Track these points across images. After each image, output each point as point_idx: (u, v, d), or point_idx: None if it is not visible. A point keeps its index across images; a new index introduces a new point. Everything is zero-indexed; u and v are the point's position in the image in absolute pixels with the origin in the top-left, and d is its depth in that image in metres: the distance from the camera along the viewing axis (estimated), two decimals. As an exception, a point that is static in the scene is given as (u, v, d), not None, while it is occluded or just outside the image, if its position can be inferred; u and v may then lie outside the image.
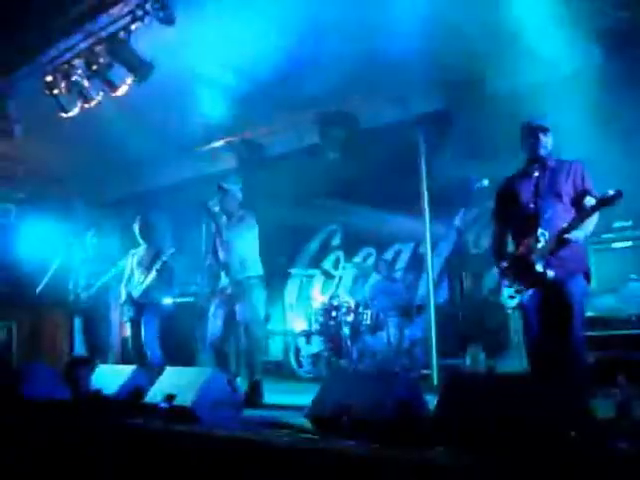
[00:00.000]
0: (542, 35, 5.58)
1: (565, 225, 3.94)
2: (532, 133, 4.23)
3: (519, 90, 6.48)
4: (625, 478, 2.37)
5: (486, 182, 5.07)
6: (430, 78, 6.81)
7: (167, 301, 6.94)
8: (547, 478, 2.36)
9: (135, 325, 6.60)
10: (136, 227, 6.84)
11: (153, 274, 6.46)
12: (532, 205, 4.15)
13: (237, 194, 6.09)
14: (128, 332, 6.78)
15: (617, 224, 5.85)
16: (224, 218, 6.08)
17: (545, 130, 4.22)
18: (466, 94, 6.88)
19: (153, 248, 6.73)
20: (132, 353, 6.62)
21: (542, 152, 4.20)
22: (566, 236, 3.91)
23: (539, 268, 3.97)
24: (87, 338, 7.28)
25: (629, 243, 5.74)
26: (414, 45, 5.87)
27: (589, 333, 5.01)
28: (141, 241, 6.85)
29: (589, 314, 5.02)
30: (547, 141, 4.22)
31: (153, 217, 7.14)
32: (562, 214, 4.04)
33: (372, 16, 5.51)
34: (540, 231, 4.01)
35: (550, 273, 3.96)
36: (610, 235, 5.83)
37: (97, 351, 7.09)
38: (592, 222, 3.97)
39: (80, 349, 7.42)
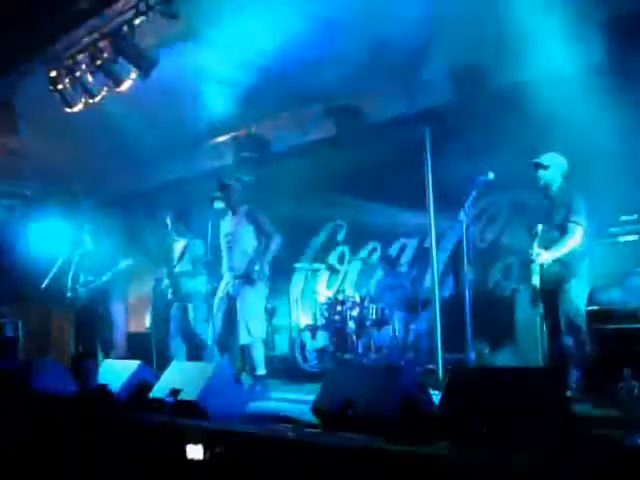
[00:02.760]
0: (547, 30, 5.55)
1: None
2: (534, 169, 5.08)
3: (525, 84, 6.45)
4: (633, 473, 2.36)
5: (492, 175, 5.04)
6: (437, 72, 6.79)
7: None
8: (552, 471, 2.36)
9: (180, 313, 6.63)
10: (168, 222, 6.81)
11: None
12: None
13: (238, 189, 6.07)
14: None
15: (623, 218, 5.83)
16: (229, 213, 6.07)
17: (543, 167, 5.03)
18: (473, 88, 6.85)
19: (183, 240, 6.75)
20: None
21: (541, 184, 5.09)
22: None
23: None
24: (83, 335, 7.27)
25: (635, 237, 5.72)
26: (421, 38, 5.86)
27: (594, 326, 5.01)
28: (174, 235, 6.81)
29: (594, 307, 5.01)
30: (545, 174, 5.04)
31: (188, 207, 7.09)
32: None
33: (379, 8, 5.49)
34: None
35: None
36: (616, 229, 5.80)
37: (96, 348, 7.09)
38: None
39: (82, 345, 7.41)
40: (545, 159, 5.07)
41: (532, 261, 4.94)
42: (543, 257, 4.90)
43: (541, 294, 5.00)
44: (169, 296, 6.68)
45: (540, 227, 4.97)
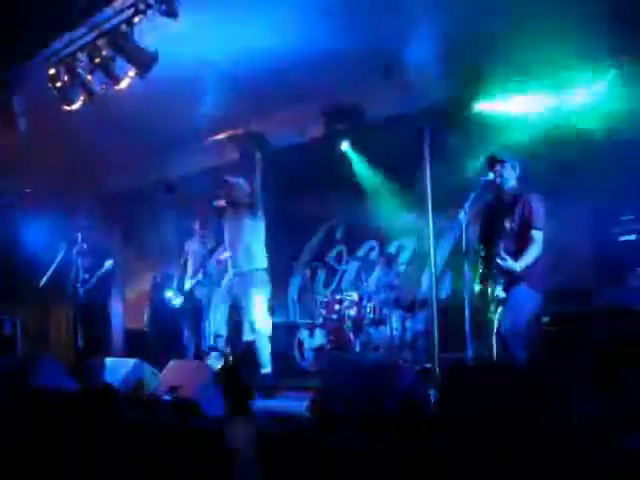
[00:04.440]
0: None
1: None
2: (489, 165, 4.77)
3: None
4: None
5: (491, 176, 5.03)
6: (436, 70, 6.78)
7: None
8: (548, 469, 2.36)
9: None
10: None
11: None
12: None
13: (244, 186, 6.03)
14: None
15: (623, 217, 5.85)
16: (230, 211, 6.04)
17: (499, 161, 4.73)
18: (473, 87, 6.85)
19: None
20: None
21: (498, 181, 4.75)
22: None
23: None
24: (86, 332, 7.26)
25: (634, 236, 5.73)
26: (420, 37, 5.87)
27: (595, 326, 5.01)
28: None
29: (595, 307, 5.01)
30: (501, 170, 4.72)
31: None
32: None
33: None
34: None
35: None
36: (616, 228, 5.82)
37: (97, 344, 7.09)
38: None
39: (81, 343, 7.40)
40: (499, 154, 4.80)
41: (498, 267, 4.55)
42: (511, 265, 4.49)
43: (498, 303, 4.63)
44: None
45: (503, 232, 4.63)
